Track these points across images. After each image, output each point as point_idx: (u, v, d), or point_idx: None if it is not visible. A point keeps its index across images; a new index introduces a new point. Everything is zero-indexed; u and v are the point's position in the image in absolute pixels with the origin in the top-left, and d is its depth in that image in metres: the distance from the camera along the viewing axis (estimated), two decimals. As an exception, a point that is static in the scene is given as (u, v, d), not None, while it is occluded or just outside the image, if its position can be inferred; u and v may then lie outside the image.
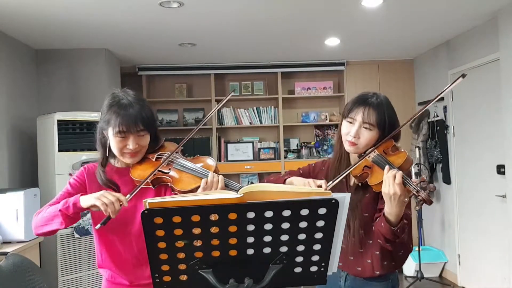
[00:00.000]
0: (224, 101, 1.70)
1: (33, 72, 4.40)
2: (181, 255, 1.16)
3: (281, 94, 5.56)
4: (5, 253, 1.96)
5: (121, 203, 1.46)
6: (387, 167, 1.55)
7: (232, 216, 1.11)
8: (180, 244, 1.14)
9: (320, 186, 1.58)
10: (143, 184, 1.57)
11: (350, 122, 1.72)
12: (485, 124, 4.15)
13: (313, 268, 1.23)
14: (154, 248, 1.15)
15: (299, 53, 5.17)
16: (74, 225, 3.67)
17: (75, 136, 3.84)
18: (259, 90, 5.71)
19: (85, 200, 1.49)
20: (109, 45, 4.49)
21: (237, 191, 1.24)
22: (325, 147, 5.71)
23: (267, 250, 1.18)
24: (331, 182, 1.62)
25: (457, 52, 4.55)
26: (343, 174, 1.65)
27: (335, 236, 1.20)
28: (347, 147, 1.73)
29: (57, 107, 4.22)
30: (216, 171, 1.60)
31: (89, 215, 2.67)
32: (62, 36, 4.07)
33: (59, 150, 3.76)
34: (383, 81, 5.58)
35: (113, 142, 1.61)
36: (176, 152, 1.66)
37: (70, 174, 3.69)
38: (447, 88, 1.59)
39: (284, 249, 1.18)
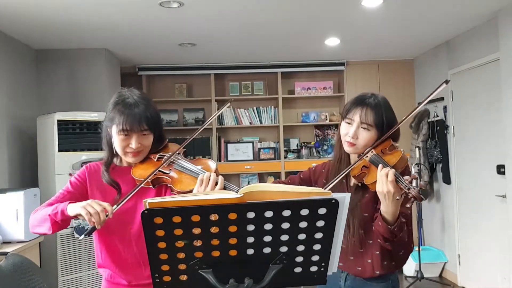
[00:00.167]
0: (222, 109, 1.74)
1: (33, 72, 4.40)
2: (181, 255, 1.16)
3: (281, 94, 5.56)
4: (5, 253, 1.96)
5: (107, 213, 1.42)
6: (380, 165, 1.56)
7: (232, 216, 1.11)
8: (180, 244, 1.14)
9: None
10: (143, 184, 1.57)
11: (349, 123, 1.74)
12: (485, 124, 4.15)
13: (313, 268, 1.23)
14: (154, 248, 1.15)
15: (299, 53, 5.17)
16: (74, 225, 3.68)
17: (75, 136, 3.84)
18: (259, 90, 5.71)
19: (72, 208, 1.47)
20: (109, 45, 4.48)
21: (236, 192, 1.24)
22: (325, 147, 5.71)
23: (267, 250, 1.18)
24: (330, 182, 1.63)
25: (457, 52, 4.55)
26: (342, 174, 1.66)
27: (335, 236, 1.20)
28: (346, 147, 1.75)
29: (57, 107, 4.22)
30: (216, 174, 1.60)
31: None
32: (62, 36, 4.08)
33: (59, 150, 3.76)
34: (383, 81, 5.58)
35: (116, 140, 1.62)
36: (178, 153, 1.66)
37: (70, 174, 3.69)
38: (430, 94, 1.66)
39: (284, 249, 1.18)
